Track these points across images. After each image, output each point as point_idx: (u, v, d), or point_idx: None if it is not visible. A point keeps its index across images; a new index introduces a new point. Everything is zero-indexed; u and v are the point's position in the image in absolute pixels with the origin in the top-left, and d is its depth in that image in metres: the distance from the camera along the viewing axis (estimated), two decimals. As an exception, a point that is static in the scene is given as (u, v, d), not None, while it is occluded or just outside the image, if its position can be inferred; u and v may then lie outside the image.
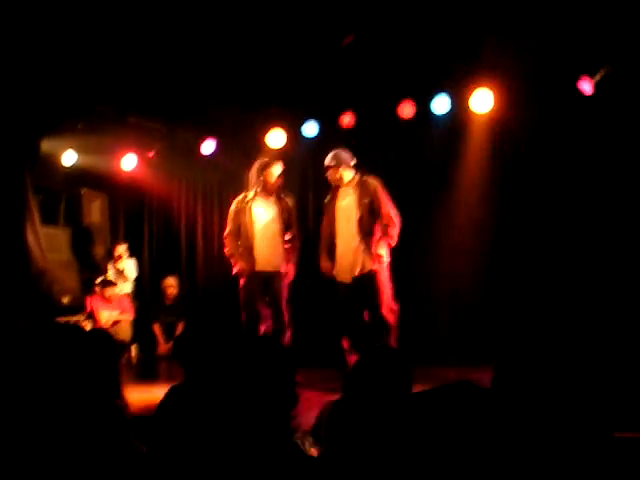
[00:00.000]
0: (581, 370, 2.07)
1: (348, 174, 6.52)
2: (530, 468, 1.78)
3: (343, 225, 6.51)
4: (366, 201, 6.37)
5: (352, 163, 6.55)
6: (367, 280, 6.32)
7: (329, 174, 6.59)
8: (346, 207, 6.51)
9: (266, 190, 6.79)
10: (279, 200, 6.85)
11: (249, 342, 2.43)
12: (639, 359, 5.41)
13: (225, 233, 6.99)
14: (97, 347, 2.57)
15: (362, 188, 6.44)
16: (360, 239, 6.36)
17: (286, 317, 6.73)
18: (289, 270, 6.80)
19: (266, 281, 6.77)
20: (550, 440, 1.85)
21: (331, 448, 1.68)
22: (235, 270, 6.86)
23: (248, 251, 6.76)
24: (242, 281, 6.82)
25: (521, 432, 1.85)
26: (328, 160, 6.57)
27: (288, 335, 6.70)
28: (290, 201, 6.93)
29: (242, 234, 6.80)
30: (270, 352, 2.37)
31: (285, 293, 6.80)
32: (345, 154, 6.56)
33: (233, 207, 6.93)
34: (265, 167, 6.82)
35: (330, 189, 6.69)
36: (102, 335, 2.65)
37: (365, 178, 6.50)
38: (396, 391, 1.72)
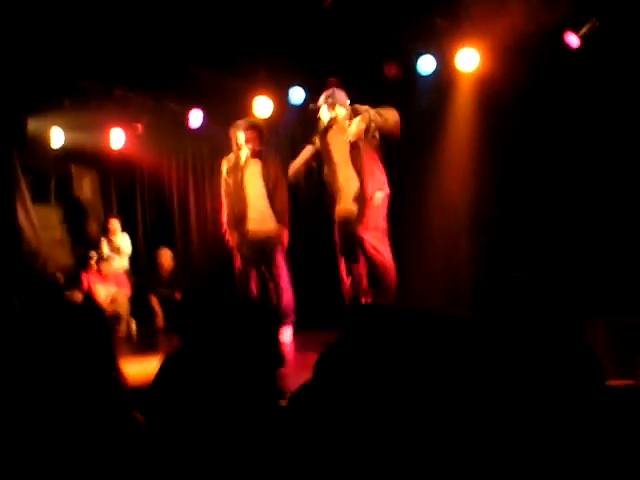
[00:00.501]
0: (572, 319, 2.08)
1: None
2: (519, 418, 1.80)
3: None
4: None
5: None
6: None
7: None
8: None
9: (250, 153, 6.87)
10: (264, 163, 6.87)
11: (232, 304, 2.44)
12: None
13: (224, 220, 7.01)
14: (88, 320, 2.58)
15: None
16: None
17: (284, 283, 6.76)
18: (283, 234, 6.82)
19: (261, 250, 6.79)
20: (540, 389, 1.87)
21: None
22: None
23: (240, 220, 6.80)
24: (237, 262, 6.87)
25: (509, 377, 1.86)
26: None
27: (289, 297, 6.75)
28: (274, 163, 6.94)
29: (234, 202, 6.83)
30: (251, 312, 2.38)
31: (282, 261, 6.83)
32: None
33: (224, 175, 6.96)
34: (233, 131, 6.94)
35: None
36: (92, 308, 2.66)
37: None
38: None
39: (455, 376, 1.63)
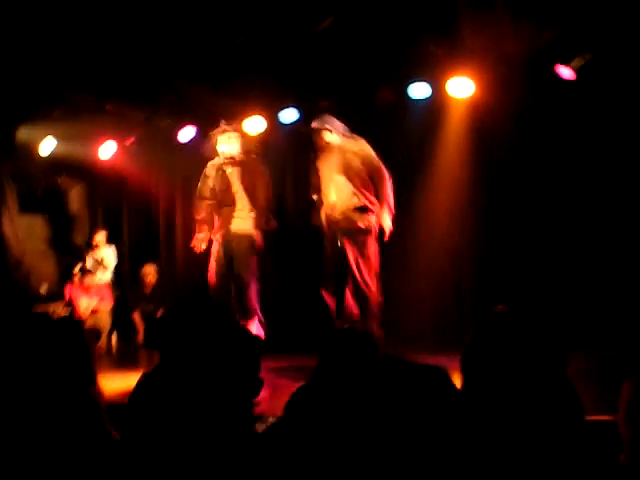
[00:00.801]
0: (552, 353, 2.07)
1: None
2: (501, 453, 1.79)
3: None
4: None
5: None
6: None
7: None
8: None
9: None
10: (243, 168, 6.91)
11: (216, 326, 2.42)
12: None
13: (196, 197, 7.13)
14: (67, 335, 2.56)
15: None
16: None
17: (252, 299, 6.75)
18: (257, 236, 6.82)
19: (233, 245, 6.81)
20: (521, 427, 1.86)
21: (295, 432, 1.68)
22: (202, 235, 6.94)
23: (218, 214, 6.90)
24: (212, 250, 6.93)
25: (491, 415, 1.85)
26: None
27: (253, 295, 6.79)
28: (260, 170, 7.00)
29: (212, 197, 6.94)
30: (233, 334, 2.37)
31: (253, 264, 6.83)
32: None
33: (206, 171, 7.09)
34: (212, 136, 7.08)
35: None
36: (71, 322, 2.64)
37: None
38: (366, 375, 1.72)
39: (431, 418, 1.62)
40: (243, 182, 6.88)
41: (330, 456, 1.58)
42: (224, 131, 6.99)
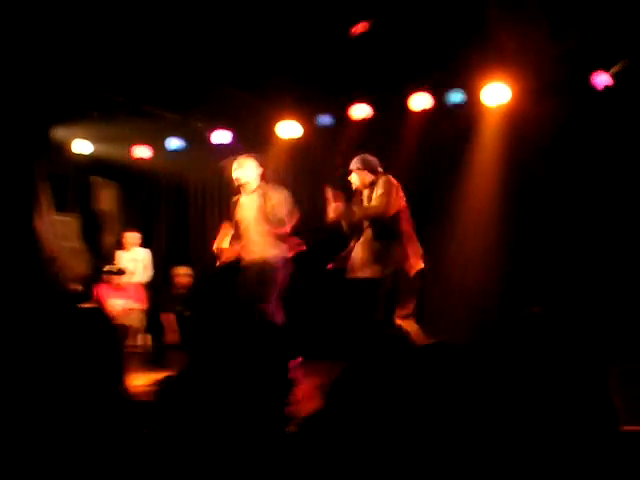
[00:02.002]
0: (586, 365, 2.04)
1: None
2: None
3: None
4: None
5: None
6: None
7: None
8: None
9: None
10: (261, 196, 6.83)
11: (245, 327, 2.41)
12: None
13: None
14: (96, 330, 2.56)
15: None
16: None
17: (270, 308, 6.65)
18: (277, 261, 6.74)
19: (254, 271, 6.76)
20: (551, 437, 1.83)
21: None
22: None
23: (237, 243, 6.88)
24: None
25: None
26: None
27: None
28: (276, 195, 6.83)
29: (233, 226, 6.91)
30: (263, 336, 2.36)
31: (274, 283, 6.72)
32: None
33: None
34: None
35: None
36: (101, 319, 2.64)
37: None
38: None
39: (469, 411, 1.59)
40: (261, 208, 6.83)
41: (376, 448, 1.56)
42: (236, 158, 6.87)
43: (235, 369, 2.25)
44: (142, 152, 9.37)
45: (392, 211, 6.13)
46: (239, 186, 6.84)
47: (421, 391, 1.64)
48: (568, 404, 1.89)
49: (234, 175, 6.80)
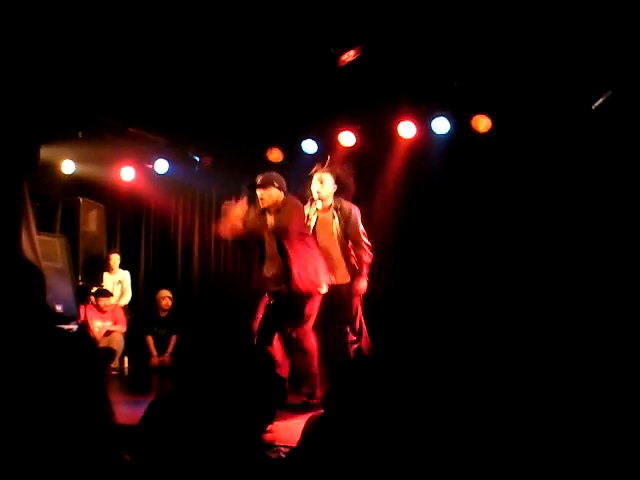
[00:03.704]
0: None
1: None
2: None
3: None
4: None
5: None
6: None
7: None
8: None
9: None
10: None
11: (232, 352, 2.41)
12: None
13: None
14: (80, 351, 2.54)
15: None
16: None
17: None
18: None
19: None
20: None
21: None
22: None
23: None
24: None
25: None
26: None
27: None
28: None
29: None
30: (250, 362, 2.36)
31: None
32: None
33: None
34: None
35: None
36: (85, 340, 2.62)
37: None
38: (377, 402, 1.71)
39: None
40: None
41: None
42: (317, 171, 6.63)
43: (219, 393, 2.25)
44: (128, 173, 9.38)
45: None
46: (313, 200, 6.64)
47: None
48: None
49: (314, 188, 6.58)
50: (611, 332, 6.34)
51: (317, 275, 6.11)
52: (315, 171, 6.63)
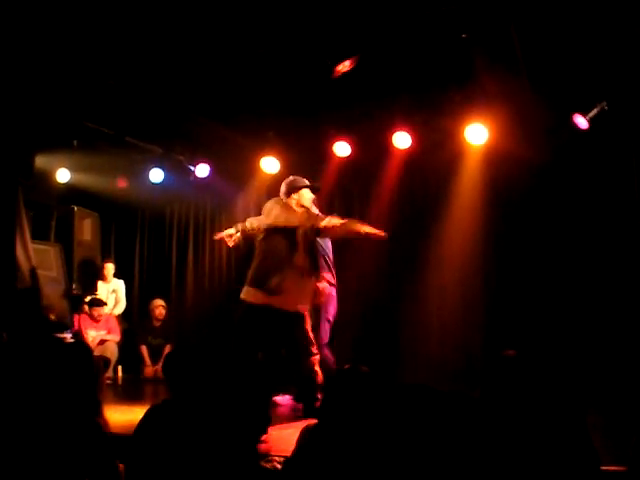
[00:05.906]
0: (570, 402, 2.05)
1: None
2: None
3: None
4: None
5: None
6: None
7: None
8: None
9: None
10: None
11: (226, 362, 2.41)
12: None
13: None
14: (76, 360, 2.54)
15: None
16: None
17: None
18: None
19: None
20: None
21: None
22: None
23: None
24: None
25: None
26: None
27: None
28: None
29: None
30: (244, 371, 2.35)
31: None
32: None
33: None
34: None
35: None
36: (80, 348, 2.61)
37: None
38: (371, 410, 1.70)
39: (449, 456, 1.60)
40: None
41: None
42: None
43: (213, 402, 2.25)
44: (123, 183, 9.39)
45: None
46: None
47: (403, 437, 1.65)
48: (550, 446, 1.90)
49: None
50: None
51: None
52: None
